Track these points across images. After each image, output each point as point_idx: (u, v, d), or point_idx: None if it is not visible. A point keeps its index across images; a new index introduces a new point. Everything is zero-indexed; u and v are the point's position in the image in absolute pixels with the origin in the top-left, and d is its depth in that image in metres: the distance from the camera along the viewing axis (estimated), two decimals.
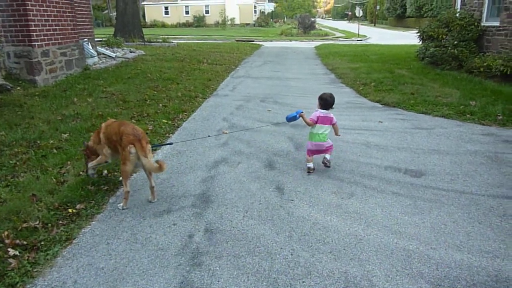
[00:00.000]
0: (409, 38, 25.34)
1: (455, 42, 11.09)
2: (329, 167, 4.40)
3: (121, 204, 3.50)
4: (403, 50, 17.37)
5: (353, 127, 6.07)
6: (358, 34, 33.91)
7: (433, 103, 7.37)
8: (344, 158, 4.73)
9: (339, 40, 30.49)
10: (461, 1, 12.61)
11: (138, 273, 2.63)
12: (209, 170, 4.36)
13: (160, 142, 5.25)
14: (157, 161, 3.41)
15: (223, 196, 3.73)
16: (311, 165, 4.33)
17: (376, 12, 63.49)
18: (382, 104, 7.75)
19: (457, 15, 12.04)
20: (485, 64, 9.48)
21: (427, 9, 46.03)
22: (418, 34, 12.99)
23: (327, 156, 4.38)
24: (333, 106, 4.39)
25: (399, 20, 55.29)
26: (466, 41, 11.16)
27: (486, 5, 11.18)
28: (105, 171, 4.13)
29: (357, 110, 7.31)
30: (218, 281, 2.54)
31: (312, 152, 4.38)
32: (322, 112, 4.33)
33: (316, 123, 4.30)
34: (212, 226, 3.20)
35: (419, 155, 4.84)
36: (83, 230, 3.16)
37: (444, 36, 11.64)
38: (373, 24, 61.82)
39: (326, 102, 4.34)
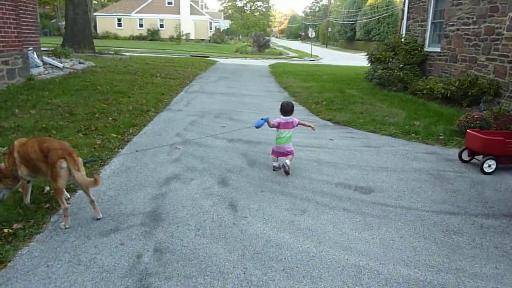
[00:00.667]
0: (358, 59, 26.60)
1: (401, 65, 11.76)
2: (288, 173, 4.76)
3: (63, 223, 3.28)
4: (353, 71, 18.14)
5: (306, 144, 6.18)
6: (311, 54, 35.08)
7: (381, 123, 7.71)
8: (297, 175, 4.78)
9: (293, 60, 31.33)
10: (406, 27, 13.46)
11: None
12: (160, 187, 4.22)
13: (109, 156, 5.03)
14: (92, 175, 3.32)
15: (175, 214, 3.62)
16: (275, 164, 4.93)
17: (328, 34, 66.21)
18: (333, 123, 7.98)
19: (402, 40, 12.83)
20: (428, 86, 10.11)
21: (375, 33, 48.80)
22: (367, 56, 13.66)
23: (287, 161, 4.78)
24: (293, 112, 5.03)
25: (349, 42, 58.08)
26: (410, 65, 11.89)
27: (428, 32, 12.02)
28: (47, 187, 3.87)
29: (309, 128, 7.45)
30: None
31: (275, 153, 4.99)
32: (283, 119, 4.95)
33: (277, 127, 4.94)
34: (162, 246, 3.08)
35: (368, 172, 5.01)
36: (20, 252, 2.91)
37: (390, 59, 12.31)
38: (325, 45, 64.35)
39: (284, 109, 4.99)
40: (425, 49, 12.02)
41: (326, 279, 2.77)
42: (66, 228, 3.25)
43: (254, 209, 3.80)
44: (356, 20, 53.39)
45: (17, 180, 3.57)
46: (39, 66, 10.51)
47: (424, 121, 7.72)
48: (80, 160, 3.33)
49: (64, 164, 3.19)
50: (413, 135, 6.90)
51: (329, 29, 65.25)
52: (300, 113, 8.97)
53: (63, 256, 2.89)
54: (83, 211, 3.59)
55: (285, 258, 2.99)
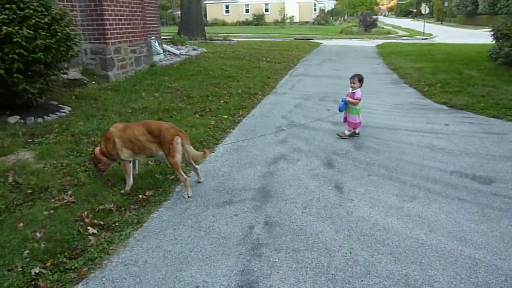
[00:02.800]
0: (480, 36, 23.81)
1: None
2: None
3: (185, 193, 3.71)
4: (473, 50, 16.35)
5: (417, 129, 5.87)
6: (423, 33, 32.36)
7: (507, 107, 6.90)
8: (407, 161, 4.60)
9: (403, 39, 29.32)
10: None
11: (202, 258, 2.79)
12: (269, 166, 4.46)
13: (221, 137, 5.45)
14: (203, 149, 3.71)
15: (282, 192, 3.81)
16: (357, 130, 5.43)
17: (444, 9, 60.10)
18: (448, 107, 7.39)
19: None
20: None
21: (502, 5, 42.71)
22: (492, 32, 12.16)
23: (357, 130, 5.43)
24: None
25: (469, 17, 51.94)
26: None
27: None
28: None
29: (421, 111, 7.04)
30: (277, 272, 2.63)
31: (359, 124, 5.37)
32: (361, 91, 5.30)
33: (360, 100, 5.29)
34: (271, 220, 3.29)
35: (488, 161, 4.59)
36: (152, 215, 3.39)
37: None
38: (440, 22, 58.66)
39: (363, 82, 5.37)
40: None
41: (437, 267, 2.68)
42: (189, 197, 3.66)
43: (360, 192, 3.80)
44: None
45: (109, 164, 3.91)
46: (160, 54, 11.63)
47: None
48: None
49: (179, 140, 3.57)
50: None
51: (446, 4, 59.19)
52: (411, 96, 8.49)
53: (186, 221, 3.29)
54: (202, 184, 4.00)
55: (392, 243, 2.97)
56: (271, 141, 5.30)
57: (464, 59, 13.37)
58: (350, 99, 5.26)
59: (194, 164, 3.90)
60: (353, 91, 5.29)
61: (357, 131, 5.42)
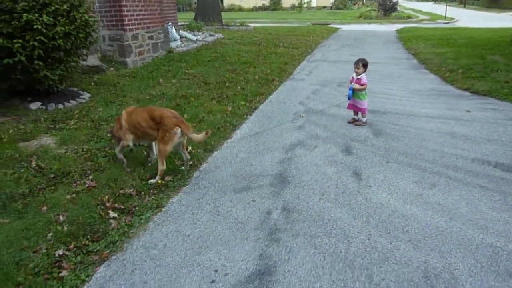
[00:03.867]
0: (504, 20, 23.02)
1: None
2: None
3: (153, 180, 3.66)
4: (497, 34, 15.81)
5: (437, 115, 5.75)
6: (445, 17, 31.42)
7: None
8: (427, 147, 4.52)
9: (423, 23, 28.53)
10: None
11: (221, 242, 2.82)
12: (286, 152, 4.45)
13: (238, 123, 5.45)
14: (206, 130, 3.69)
15: (300, 178, 3.81)
16: (364, 119, 5.38)
17: None
18: (470, 92, 7.21)
19: None
20: None
21: None
22: None
23: (364, 119, 5.41)
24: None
25: (493, 0, 50.12)
26: None
27: None
28: (189, 147, 4.40)
29: (442, 98, 6.89)
30: (295, 257, 2.64)
31: (366, 109, 5.39)
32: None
33: (366, 85, 5.27)
34: (289, 206, 3.30)
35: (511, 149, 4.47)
36: (171, 200, 3.44)
37: None
38: (462, 6, 56.78)
39: (367, 67, 5.33)
40: None
41: (457, 255, 2.65)
42: (157, 183, 3.63)
43: (379, 179, 3.77)
44: None
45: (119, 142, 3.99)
46: (176, 40, 11.64)
47: None
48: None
49: (179, 130, 3.59)
50: None
51: None
52: (431, 82, 8.31)
53: (205, 206, 3.32)
54: (219, 169, 4.02)
55: (411, 230, 2.94)
56: (288, 127, 5.27)
57: (487, 44, 12.95)
58: (358, 86, 5.22)
59: (186, 154, 3.93)
60: (358, 77, 5.25)
61: (364, 119, 5.37)
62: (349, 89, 5.21)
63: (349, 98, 5.31)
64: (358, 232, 2.92)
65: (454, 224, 3.02)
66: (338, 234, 2.90)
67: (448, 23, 28.19)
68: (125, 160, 4.01)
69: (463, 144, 4.64)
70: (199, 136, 3.70)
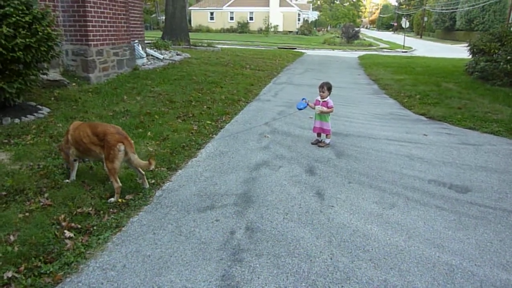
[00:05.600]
0: (457, 51, 24.55)
1: (508, 57, 10.64)
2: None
3: (113, 199, 3.56)
4: (451, 64, 16.84)
5: (396, 138, 5.98)
6: (404, 46, 33.18)
7: (482, 119, 7.12)
8: (387, 169, 4.68)
9: (383, 51, 29.96)
10: None
11: (182, 263, 2.75)
12: (251, 172, 4.45)
13: (204, 142, 5.42)
14: (148, 159, 3.63)
15: (264, 197, 3.81)
16: (328, 140, 5.49)
17: (423, 24, 61.89)
18: (427, 117, 7.57)
19: None
20: None
21: (478, 22, 44.41)
22: (469, 47, 12.59)
23: (327, 141, 5.52)
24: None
25: (448, 32, 53.63)
26: None
27: None
28: (152, 166, 4.31)
29: (400, 122, 7.19)
30: (258, 277, 2.61)
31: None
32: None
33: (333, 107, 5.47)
34: (253, 225, 3.28)
35: (465, 171, 4.71)
36: (131, 219, 3.33)
37: (496, 51, 11.21)
38: (419, 36, 60.30)
39: (331, 90, 5.50)
40: None
41: (415, 273, 2.73)
42: (117, 202, 3.53)
43: (341, 199, 3.84)
44: (457, 8, 49.02)
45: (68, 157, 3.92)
46: (143, 57, 11.53)
47: None
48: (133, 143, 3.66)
49: (122, 147, 3.52)
50: None
51: (425, 19, 60.95)
52: (391, 107, 8.66)
53: (167, 226, 3.24)
54: (183, 188, 3.96)
55: (372, 249, 3.00)
56: (254, 147, 5.30)
57: (442, 72, 13.76)
58: (325, 109, 5.38)
59: (141, 170, 3.82)
60: (324, 100, 5.41)
61: (328, 140, 5.50)
62: (302, 99, 5.51)
63: (298, 108, 5.54)
64: (320, 251, 2.94)
65: (413, 243, 3.11)
66: (301, 253, 2.91)
67: (406, 52, 29.76)
68: (73, 173, 3.91)
69: (420, 166, 4.83)
70: (141, 162, 3.63)
